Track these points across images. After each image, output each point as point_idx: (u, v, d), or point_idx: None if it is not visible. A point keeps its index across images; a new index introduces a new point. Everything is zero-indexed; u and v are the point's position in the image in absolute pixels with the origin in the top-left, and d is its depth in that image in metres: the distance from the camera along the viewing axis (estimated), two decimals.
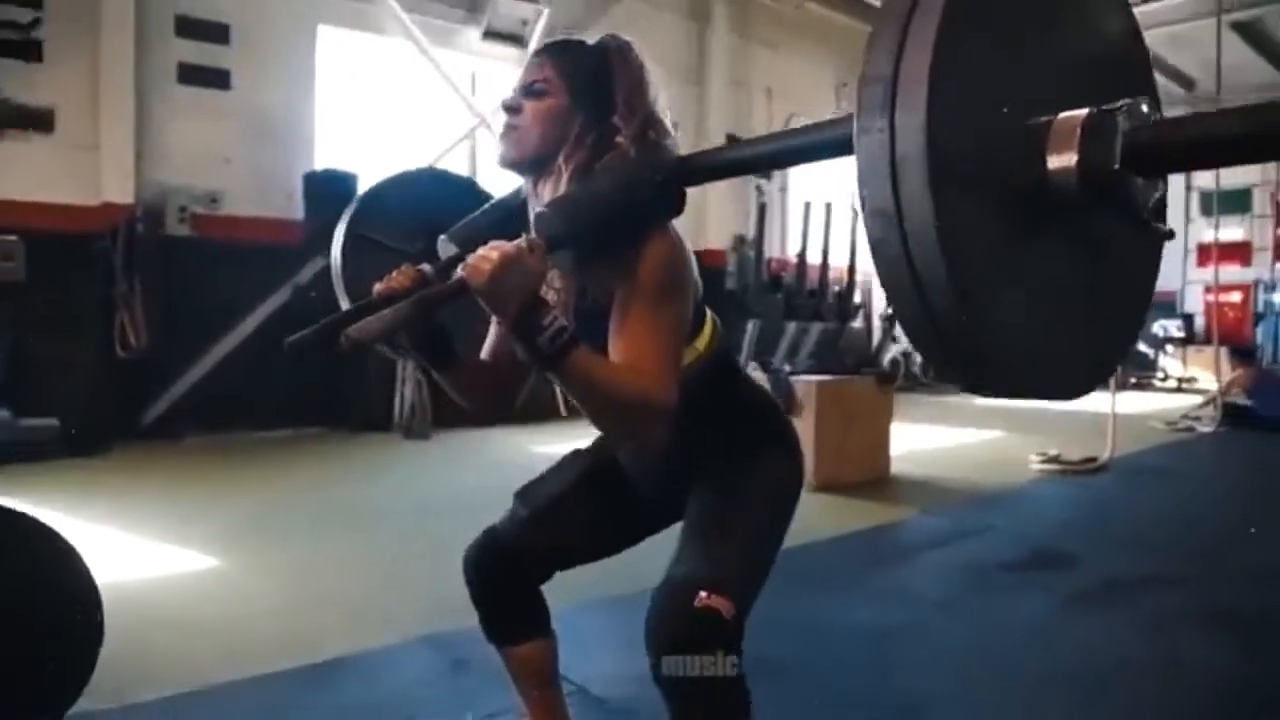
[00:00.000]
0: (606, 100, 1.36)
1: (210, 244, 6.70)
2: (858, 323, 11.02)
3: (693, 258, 1.37)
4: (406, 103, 8.07)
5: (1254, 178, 13.63)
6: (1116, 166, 0.83)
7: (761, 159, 1.28)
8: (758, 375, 5.29)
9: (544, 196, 1.39)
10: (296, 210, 6.99)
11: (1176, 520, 4.34)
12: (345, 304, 2.00)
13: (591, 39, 1.45)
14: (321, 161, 7.32)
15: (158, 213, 6.60)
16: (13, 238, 5.83)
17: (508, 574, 1.61)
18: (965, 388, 0.94)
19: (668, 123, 1.39)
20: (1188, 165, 0.91)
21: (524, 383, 1.58)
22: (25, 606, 1.71)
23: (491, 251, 1.18)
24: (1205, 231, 14.86)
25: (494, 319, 1.50)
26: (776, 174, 10.96)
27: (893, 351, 10.84)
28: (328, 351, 1.28)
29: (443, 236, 1.49)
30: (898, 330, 11.12)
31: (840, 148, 1.03)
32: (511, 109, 1.39)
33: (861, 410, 4.92)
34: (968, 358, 0.86)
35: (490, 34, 8.19)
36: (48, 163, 6.23)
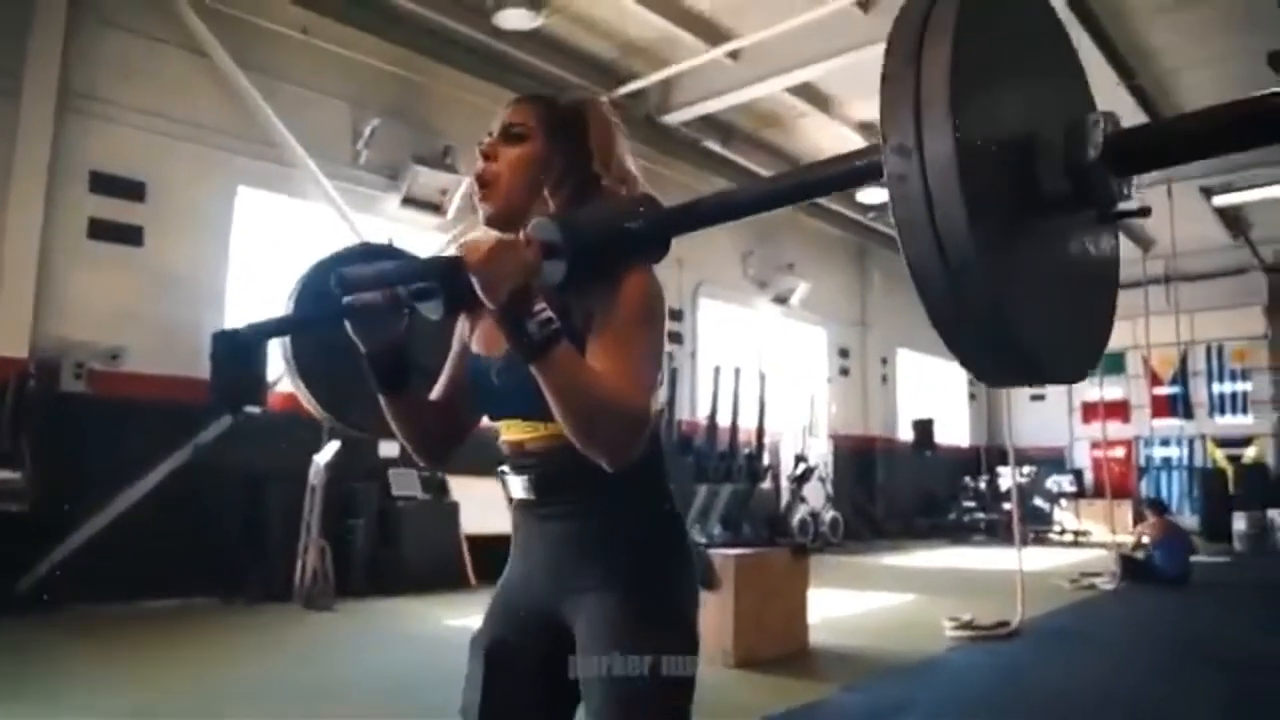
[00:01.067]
0: (583, 149, 1.37)
1: (108, 401, 6.45)
2: (766, 483, 11.16)
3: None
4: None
5: (1126, 341, 14.64)
6: (1092, 159, 0.95)
7: (748, 203, 1.31)
8: None
9: None
10: (202, 369, 6.79)
11: (1090, 693, 4.40)
12: (296, 385, 1.95)
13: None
14: (233, 319, 7.20)
15: (52, 368, 6.36)
16: None
17: None
18: (971, 358, 0.97)
19: (638, 175, 1.40)
20: (1155, 161, 1.02)
21: (467, 430, 1.53)
22: None
23: (489, 237, 1.19)
24: (1088, 391, 15.85)
25: (451, 361, 1.51)
26: (686, 339, 11.28)
27: (801, 512, 10.97)
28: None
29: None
30: (804, 490, 11.31)
31: (791, 193, 1.20)
32: (488, 155, 1.37)
33: (779, 582, 4.92)
34: (984, 309, 0.91)
35: (409, 201, 8.37)
36: None
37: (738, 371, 10.34)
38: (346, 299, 1.31)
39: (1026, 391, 17.11)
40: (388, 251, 2.30)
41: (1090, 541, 13.02)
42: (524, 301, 1.16)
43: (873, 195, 11.67)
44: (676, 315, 11.15)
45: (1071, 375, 1.09)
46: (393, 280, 1.30)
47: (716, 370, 10.31)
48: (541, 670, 1.41)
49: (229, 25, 7.30)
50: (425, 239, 8.61)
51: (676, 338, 11.10)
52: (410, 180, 8.29)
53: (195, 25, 7.09)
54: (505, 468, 1.40)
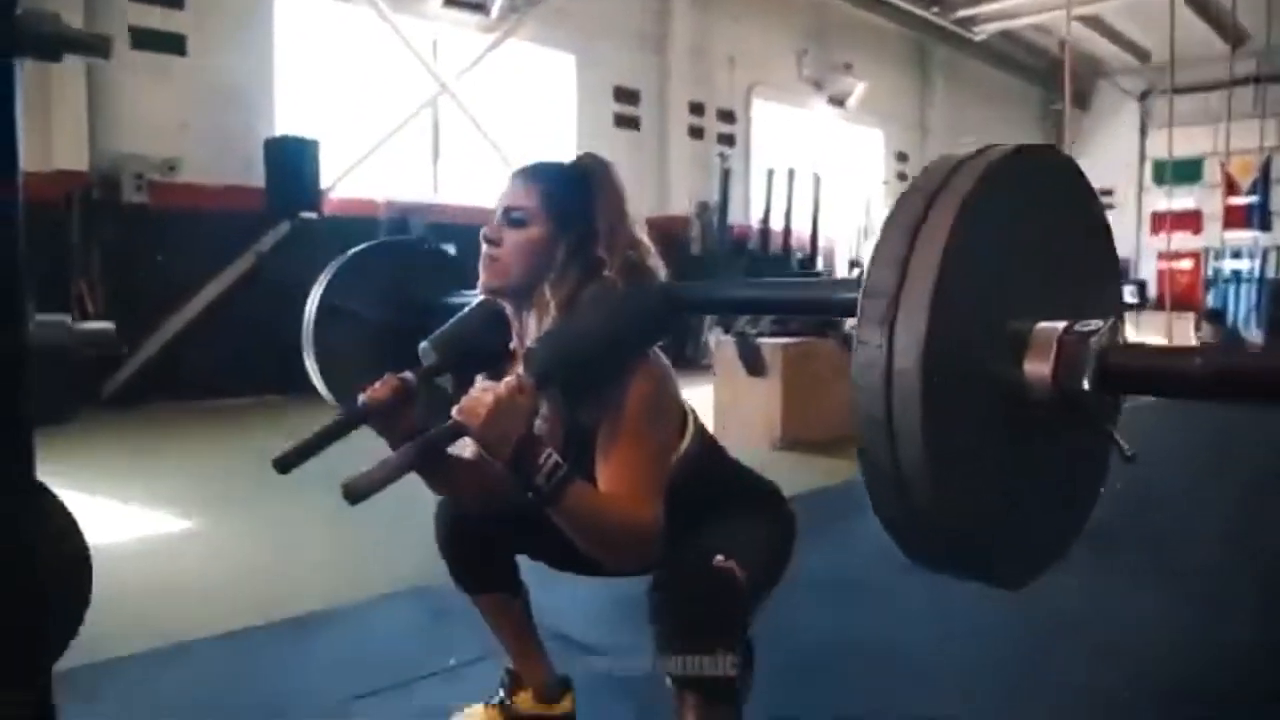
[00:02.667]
0: (589, 226, 1.37)
1: (170, 211, 6.60)
2: None
3: (674, 377, 1.40)
4: (367, 69, 7.97)
5: (1205, 147, 13.90)
6: (1085, 388, 0.89)
7: (748, 303, 1.32)
8: (722, 339, 5.36)
9: (528, 325, 1.41)
10: (257, 177, 6.89)
11: (1125, 484, 4.49)
12: (315, 373, 2.02)
13: (568, 156, 1.46)
14: (282, 127, 7.21)
15: (113, 180, 6.48)
16: None
17: (475, 537, 1.63)
18: (936, 570, 1.01)
19: (648, 243, 1.41)
20: (1151, 392, 0.98)
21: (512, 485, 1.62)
22: (19, 563, 1.71)
23: (485, 395, 1.21)
24: (1159, 200, 15.27)
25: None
26: (739, 141, 11.00)
27: None
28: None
29: (424, 344, 1.51)
30: None
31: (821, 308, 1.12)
32: (491, 240, 1.39)
33: (826, 371, 5.01)
34: (937, 555, 0.95)
35: (452, 1, 8.09)
36: None
37: (792, 174, 10.12)
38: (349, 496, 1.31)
39: None
40: (412, 248, 2.31)
41: None
42: (530, 455, 1.20)
43: None
44: (728, 116, 10.83)
45: (1014, 581, 1.07)
46: (402, 473, 1.30)
47: (770, 173, 10.09)
48: None
49: None
50: (469, 40, 8.38)
51: (729, 139, 10.83)
52: None
53: None
54: None
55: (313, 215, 6.88)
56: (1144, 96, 15.79)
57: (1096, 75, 15.69)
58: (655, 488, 1.30)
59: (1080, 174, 1.07)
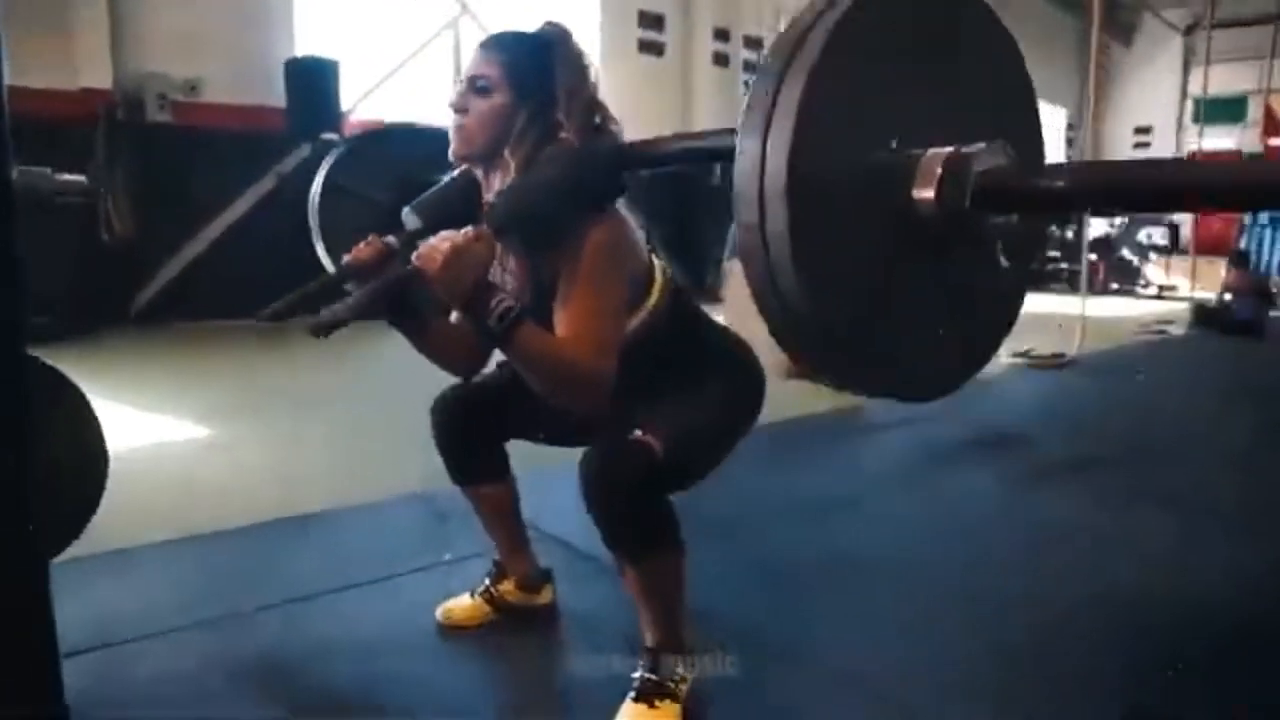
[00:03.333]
0: (549, 93, 1.44)
1: (192, 131, 6.65)
2: None
3: (636, 232, 1.47)
4: None
5: (1250, 84, 13.48)
6: (967, 205, 0.94)
7: (692, 154, 1.37)
8: (738, 271, 5.37)
9: (494, 186, 1.49)
10: (279, 97, 6.91)
11: (1133, 410, 4.52)
12: (321, 249, 2.08)
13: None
14: (303, 48, 7.20)
15: (137, 100, 6.53)
16: None
17: (468, 421, 1.73)
18: (816, 373, 1.05)
19: (609, 108, 1.47)
20: (1027, 209, 1.02)
21: (486, 355, 1.70)
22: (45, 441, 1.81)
23: (442, 243, 1.30)
24: (1198, 139, 14.88)
25: None
26: None
27: None
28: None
29: (407, 209, 1.57)
30: None
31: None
32: (459, 109, 1.46)
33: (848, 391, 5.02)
34: (815, 354, 0.99)
35: None
36: (16, 48, 6.10)
37: None
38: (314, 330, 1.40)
39: (1129, 139, 16.17)
40: (416, 134, 2.34)
41: (1176, 296, 12.71)
42: (481, 299, 1.30)
43: None
44: (755, 43, 10.54)
45: (908, 393, 1.13)
46: (365, 311, 1.39)
47: None
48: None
49: None
50: None
51: (754, 67, 10.58)
52: None
53: None
54: None
55: (334, 136, 6.90)
56: (1189, 31, 15.27)
57: (1142, 7, 15.18)
58: (605, 333, 1.39)
59: (983, 7, 1.11)
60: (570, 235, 1.38)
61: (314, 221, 2.19)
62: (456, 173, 1.62)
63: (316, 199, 2.17)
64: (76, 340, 5.59)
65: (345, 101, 7.14)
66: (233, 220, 6.87)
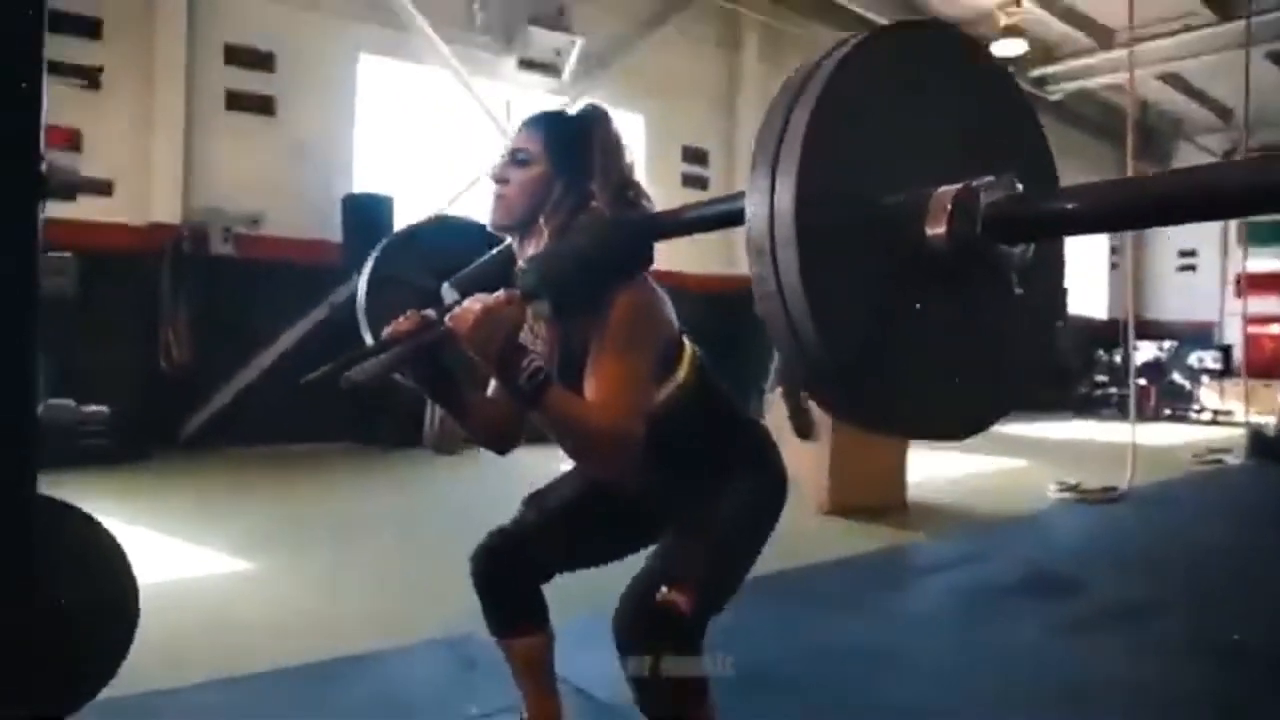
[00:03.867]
0: (585, 166, 1.51)
1: (251, 263, 6.96)
2: None
3: (666, 302, 1.52)
4: (442, 128, 8.32)
5: None
6: (978, 233, 0.96)
7: (716, 218, 1.43)
8: (779, 401, 5.38)
9: (528, 253, 1.55)
10: (335, 232, 7.22)
11: (1189, 551, 4.36)
12: (366, 334, 2.18)
13: (575, 108, 1.62)
14: (360, 185, 7.57)
15: (202, 233, 6.87)
16: (66, 254, 6.09)
17: (510, 568, 1.74)
18: (841, 418, 1.06)
19: (642, 185, 1.54)
20: (1038, 235, 1.03)
21: (523, 418, 1.71)
22: (63, 589, 1.85)
23: (474, 304, 1.35)
24: (1246, 262, 14.79)
25: None
26: None
27: None
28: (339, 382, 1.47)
29: (446, 284, 1.64)
30: None
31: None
32: (499, 179, 1.54)
33: (879, 437, 4.99)
34: (834, 391, 0.99)
35: (525, 63, 8.42)
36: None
37: None
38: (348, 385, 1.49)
39: (1172, 262, 16.10)
40: (459, 227, 2.47)
41: (1231, 421, 12.39)
42: (512, 360, 1.34)
43: (1009, 48, 10.91)
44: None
45: (951, 433, 1.11)
46: (397, 367, 1.50)
47: None
48: (616, 523, 1.72)
49: None
50: (542, 101, 8.68)
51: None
52: (525, 42, 8.32)
53: None
54: None
55: None
56: (1228, 155, 15.37)
57: (1177, 135, 15.37)
58: (633, 397, 1.41)
59: (979, 48, 1.15)
60: (600, 301, 1.41)
61: (361, 308, 2.27)
62: (496, 249, 1.68)
63: (364, 288, 2.25)
64: (129, 463, 5.75)
65: None
66: (286, 348, 7.09)
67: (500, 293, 1.38)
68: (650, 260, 1.47)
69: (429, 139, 8.28)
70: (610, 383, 1.39)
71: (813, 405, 4.97)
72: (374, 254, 2.18)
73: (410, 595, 3.28)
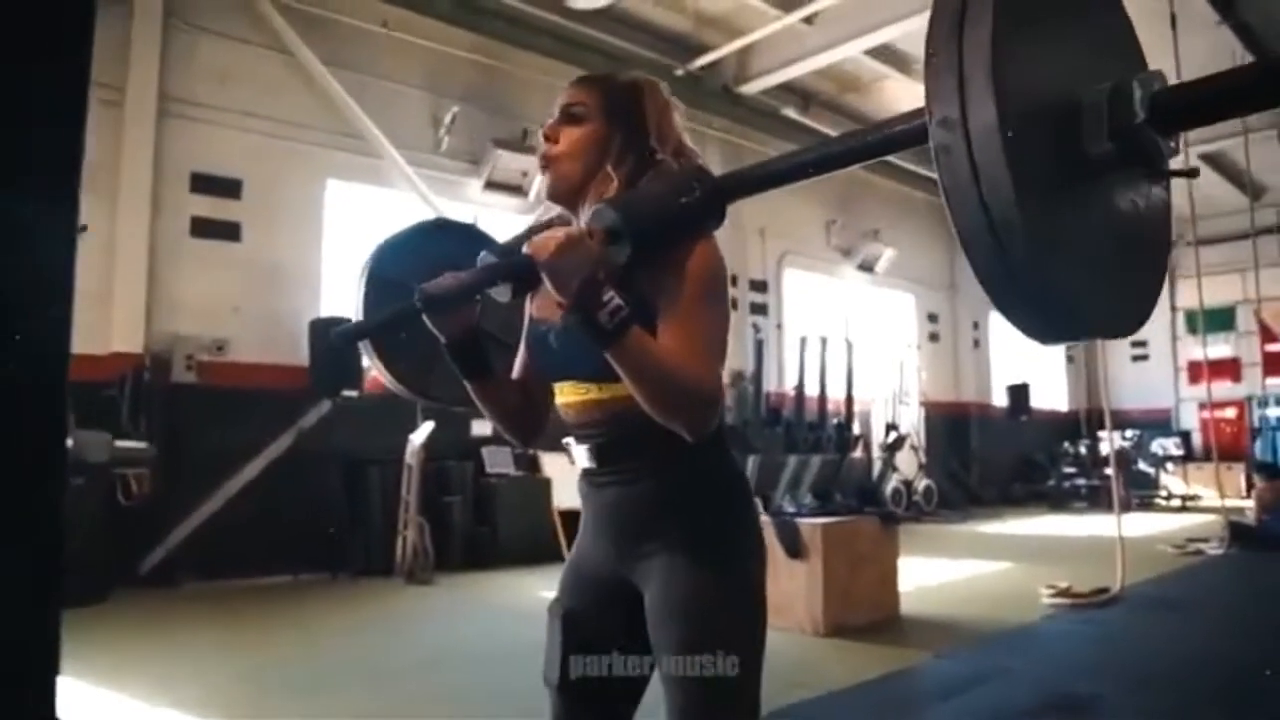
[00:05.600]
0: (641, 125, 1.41)
1: (216, 390, 6.80)
2: (857, 453, 11.05)
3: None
4: None
5: (1236, 295, 13.93)
6: (1139, 120, 0.95)
7: (801, 167, 1.34)
8: (761, 519, 5.28)
9: (586, 215, 1.40)
10: (301, 356, 7.09)
11: (1191, 659, 4.27)
12: (367, 352, 2.05)
13: None
14: (328, 308, 7.49)
15: (164, 361, 6.72)
16: None
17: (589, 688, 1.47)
18: (1019, 317, 1.01)
19: (694, 148, 1.45)
20: (1198, 117, 1.04)
21: (549, 406, 1.55)
22: None
23: (558, 233, 1.23)
24: (1193, 349, 15.21)
25: (523, 339, 1.54)
26: (772, 310, 11.20)
27: (893, 481, 10.83)
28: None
29: (483, 253, 1.51)
30: (896, 459, 11.17)
31: (865, 151, 1.22)
32: (550, 137, 1.42)
33: (868, 550, 4.90)
34: (1027, 270, 0.94)
35: (491, 185, 8.54)
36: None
37: (825, 341, 10.24)
38: (422, 300, 1.37)
39: (1127, 352, 16.49)
40: (460, 230, 2.37)
41: (1199, 506, 12.51)
42: (594, 293, 1.20)
43: None
44: (761, 286, 11.11)
45: (1119, 329, 1.10)
46: (472, 291, 1.36)
47: (803, 340, 10.23)
48: (618, 634, 1.44)
49: (312, 24, 7.58)
50: (508, 220, 8.78)
51: (762, 309, 11.05)
52: (491, 164, 8.46)
53: (280, 26, 7.37)
54: (569, 438, 1.45)
55: (354, 394, 7.03)
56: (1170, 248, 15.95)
57: None
58: (718, 352, 1.29)
59: None
60: (676, 249, 1.30)
61: (358, 312, 2.15)
62: (535, 219, 1.56)
63: (361, 294, 2.14)
64: (86, 604, 5.42)
65: (367, 359, 7.32)
66: (252, 476, 6.87)
67: (579, 224, 1.27)
68: (722, 221, 1.36)
69: None
70: (693, 336, 1.27)
71: (801, 524, 4.88)
72: (368, 258, 2.08)
73: None
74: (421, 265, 2.12)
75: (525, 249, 1.26)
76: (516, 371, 1.57)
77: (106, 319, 6.53)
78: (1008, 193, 0.89)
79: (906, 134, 1.12)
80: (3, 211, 0.68)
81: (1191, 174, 1.13)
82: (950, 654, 4.23)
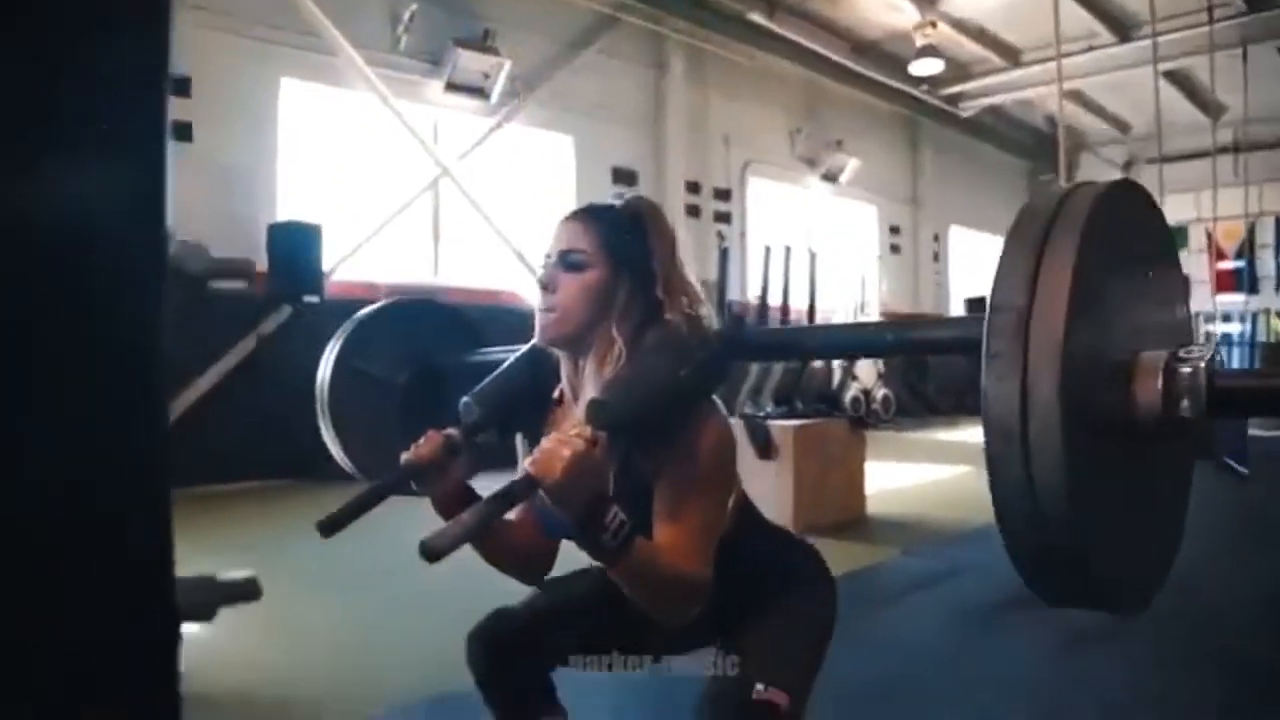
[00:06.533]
0: (647, 268, 1.34)
1: (173, 295, 6.60)
2: (818, 362, 11.16)
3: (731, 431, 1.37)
4: (369, 153, 8.08)
5: (1190, 214, 14.15)
6: (1190, 413, 0.91)
7: (812, 348, 1.31)
8: (730, 422, 5.34)
9: (586, 371, 1.37)
10: (260, 260, 6.92)
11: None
12: (329, 435, 1.99)
13: (615, 201, 1.42)
14: (285, 212, 7.28)
15: None
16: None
17: (516, 655, 1.50)
18: (1048, 592, 1.01)
19: (698, 287, 1.40)
20: (1258, 413, 1.03)
21: (554, 552, 1.54)
22: None
23: (561, 449, 1.14)
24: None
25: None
26: (735, 219, 11.15)
27: (853, 390, 10.99)
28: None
29: (465, 400, 1.48)
30: (856, 369, 11.32)
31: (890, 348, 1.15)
32: (547, 286, 1.34)
33: (837, 452, 4.99)
34: (1067, 578, 0.94)
35: (452, 86, 8.26)
36: None
37: (788, 250, 10.22)
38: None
39: None
40: (421, 308, 2.30)
41: None
42: (599, 513, 1.15)
43: (925, 67, 11.23)
44: (724, 195, 11.02)
45: (1143, 602, 1.10)
46: (477, 532, 1.20)
47: (767, 250, 10.19)
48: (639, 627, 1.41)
49: None
50: (469, 124, 8.54)
51: (725, 218, 10.99)
52: (452, 64, 8.17)
53: None
54: None
55: (315, 299, 6.91)
56: (1127, 166, 16.09)
57: (1080, 148, 16.04)
58: (711, 543, 1.28)
59: (1154, 203, 1.12)
60: (683, 432, 1.26)
61: (322, 405, 2.11)
62: (516, 355, 1.52)
63: (326, 386, 2.08)
64: None
65: (327, 262, 7.18)
66: (211, 384, 6.75)
67: (582, 431, 1.19)
68: (725, 379, 1.36)
69: (355, 164, 8.03)
70: (690, 528, 1.25)
71: (772, 425, 4.94)
72: (335, 342, 2.02)
73: (384, 652, 3.09)
74: (387, 351, 2.04)
75: (528, 467, 1.16)
76: (515, 513, 1.43)
77: None
78: (1058, 465, 0.87)
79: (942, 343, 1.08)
80: (91, 123, 0.62)
81: (1244, 475, 1.13)
82: (918, 551, 4.36)
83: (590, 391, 1.31)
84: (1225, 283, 15.55)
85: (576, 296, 1.33)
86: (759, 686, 1.29)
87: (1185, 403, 0.90)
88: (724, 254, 9.90)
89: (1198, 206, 13.10)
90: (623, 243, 1.34)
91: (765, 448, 4.69)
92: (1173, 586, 3.55)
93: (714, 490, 1.30)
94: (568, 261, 1.34)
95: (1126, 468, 0.97)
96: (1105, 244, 0.92)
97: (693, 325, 1.33)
